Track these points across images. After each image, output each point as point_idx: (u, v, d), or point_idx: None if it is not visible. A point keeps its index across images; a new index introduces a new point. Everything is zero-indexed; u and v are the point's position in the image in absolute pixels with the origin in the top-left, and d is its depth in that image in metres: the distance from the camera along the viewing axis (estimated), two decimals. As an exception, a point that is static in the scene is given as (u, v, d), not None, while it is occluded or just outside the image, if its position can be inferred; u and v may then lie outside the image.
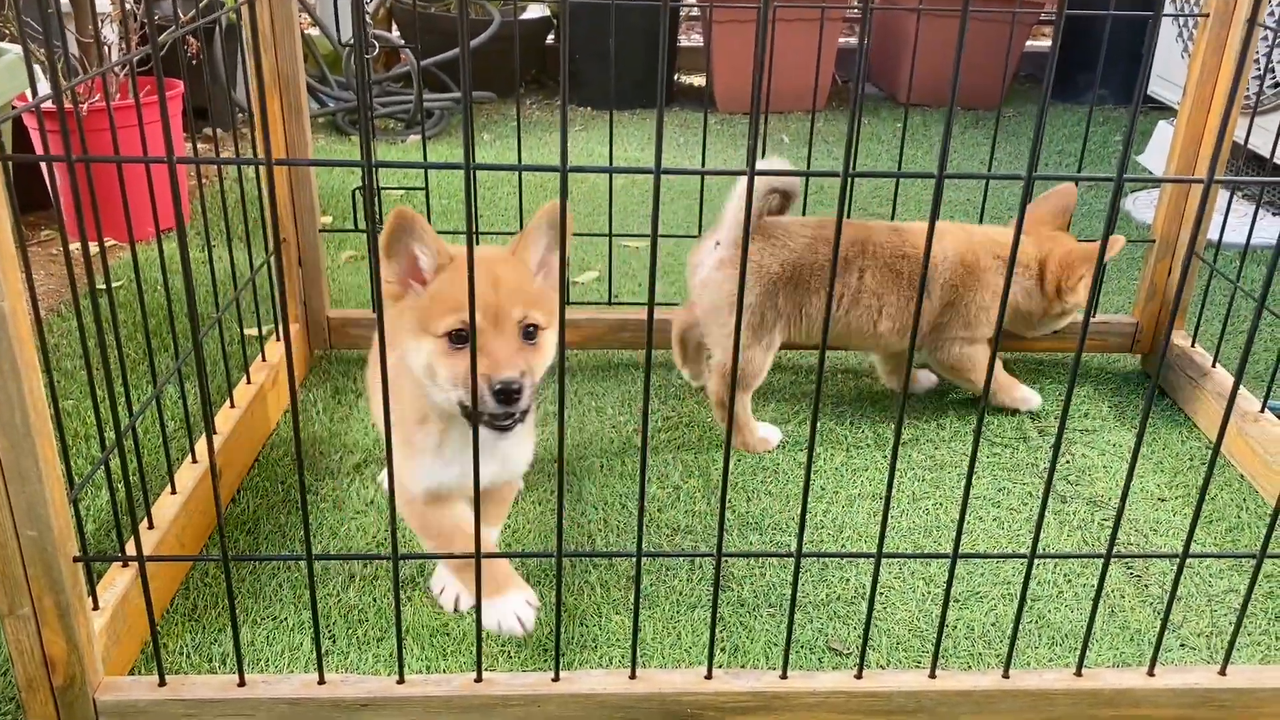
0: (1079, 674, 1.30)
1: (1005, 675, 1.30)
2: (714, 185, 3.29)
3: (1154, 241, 2.21)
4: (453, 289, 1.23)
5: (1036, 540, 1.20)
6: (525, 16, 4.59)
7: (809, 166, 2.52)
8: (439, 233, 2.36)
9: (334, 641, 1.48)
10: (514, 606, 1.44)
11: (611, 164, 1.37)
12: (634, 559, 1.32)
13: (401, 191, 3.19)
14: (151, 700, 1.23)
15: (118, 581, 1.38)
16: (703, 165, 2.55)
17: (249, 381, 1.92)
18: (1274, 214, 3.15)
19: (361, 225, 2.47)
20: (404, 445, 1.37)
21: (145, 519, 1.49)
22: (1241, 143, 2.23)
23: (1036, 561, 1.23)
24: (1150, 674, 1.31)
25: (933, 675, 1.29)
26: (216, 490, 1.20)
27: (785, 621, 1.51)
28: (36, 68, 2.44)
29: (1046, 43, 5.28)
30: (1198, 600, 1.60)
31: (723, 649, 1.48)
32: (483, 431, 1.24)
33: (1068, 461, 1.97)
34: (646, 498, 1.81)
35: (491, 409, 1.21)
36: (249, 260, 1.93)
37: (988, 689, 1.29)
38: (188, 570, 1.59)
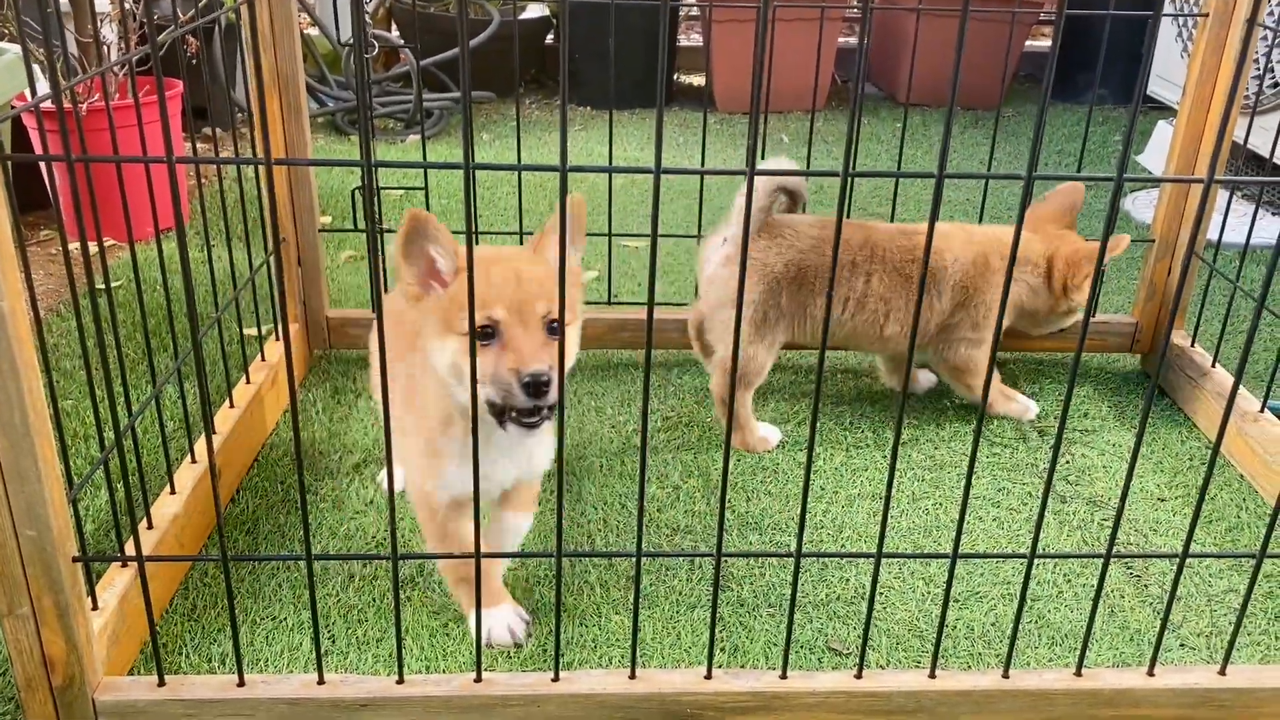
0: (1079, 674, 1.30)
1: (1005, 675, 1.30)
2: (713, 185, 3.29)
3: (1153, 241, 2.21)
4: (475, 288, 1.22)
5: (1036, 540, 1.20)
6: (524, 16, 4.59)
7: (808, 166, 2.52)
8: (438, 232, 2.36)
9: (333, 641, 1.48)
10: (505, 618, 1.46)
11: (611, 164, 1.37)
12: (634, 559, 1.33)
13: (401, 191, 3.19)
14: (151, 700, 1.23)
15: (117, 581, 1.38)
16: (702, 165, 2.55)
17: (248, 381, 1.92)
18: (1273, 214, 3.15)
19: (361, 225, 2.47)
20: (427, 452, 1.36)
21: (144, 519, 1.49)
22: (1241, 142, 2.23)
23: (1036, 561, 1.23)
24: (1150, 674, 1.31)
25: (932, 675, 1.29)
26: (216, 490, 1.20)
27: (785, 621, 1.51)
28: (35, 67, 2.44)
29: (1046, 42, 5.28)
30: (1197, 600, 1.60)
31: (722, 649, 1.48)
32: (509, 431, 1.24)
33: (1067, 461, 1.97)
34: (646, 498, 1.81)
35: (521, 403, 1.21)
36: (248, 260, 1.93)
37: (987, 689, 1.29)
38: (187, 570, 1.59)
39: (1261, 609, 1.59)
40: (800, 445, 2.00)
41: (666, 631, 1.51)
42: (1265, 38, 2.90)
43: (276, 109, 1.97)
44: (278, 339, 2.07)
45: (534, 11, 4.66)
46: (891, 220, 2.23)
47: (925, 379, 2.22)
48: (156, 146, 2.46)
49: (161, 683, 1.24)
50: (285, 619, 1.51)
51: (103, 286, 1.38)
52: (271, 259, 1.96)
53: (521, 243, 2.25)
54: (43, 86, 2.52)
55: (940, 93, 4.26)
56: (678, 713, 1.28)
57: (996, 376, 2.10)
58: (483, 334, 1.22)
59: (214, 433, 1.72)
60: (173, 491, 1.58)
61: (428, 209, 2.25)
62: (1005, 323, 2.01)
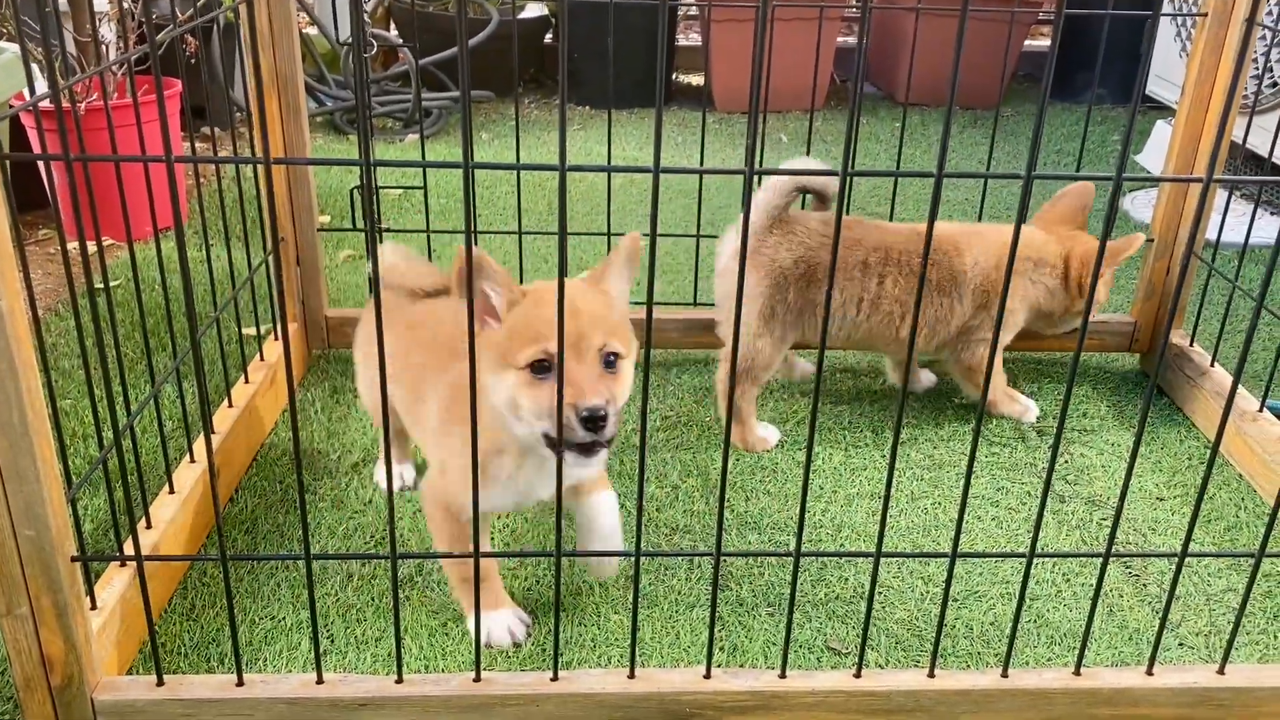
0: (1077, 673, 1.30)
1: (1004, 674, 1.30)
2: (712, 184, 3.29)
3: (1152, 241, 2.21)
4: (532, 321, 1.25)
5: (1035, 539, 1.20)
6: (523, 15, 4.58)
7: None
8: (436, 232, 2.36)
9: (332, 641, 1.47)
10: (505, 619, 1.47)
11: (610, 163, 1.37)
12: (632, 558, 1.33)
13: (399, 191, 3.19)
14: (149, 700, 1.23)
15: (116, 581, 1.38)
16: (701, 164, 2.55)
17: (247, 381, 1.92)
18: (1272, 213, 3.15)
19: (360, 224, 2.47)
20: (464, 472, 1.35)
21: (143, 518, 1.49)
22: (1240, 142, 2.23)
23: (1035, 561, 1.23)
24: (1149, 673, 1.31)
25: (931, 674, 1.29)
26: (215, 490, 1.19)
27: (784, 621, 1.52)
28: (34, 66, 2.44)
29: (1045, 42, 5.28)
30: (1196, 599, 1.61)
31: (721, 648, 1.48)
32: (566, 460, 1.24)
33: (1066, 461, 1.97)
34: (645, 497, 1.81)
35: (580, 437, 1.21)
36: (247, 260, 1.92)
37: (986, 688, 1.29)
38: (186, 570, 1.59)
39: (1260, 608, 1.59)
40: (799, 444, 2.00)
41: (665, 631, 1.51)
42: (1264, 37, 2.90)
43: (275, 108, 1.97)
44: (276, 339, 2.07)
45: (533, 11, 4.66)
46: (890, 220, 2.22)
47: (926, 378, 2.22)
48: (155, 146, 2.47)
49: (160, 682, 1.24)
50: (284, 618, 1.51)
51: (101, 286, 1.38)
52: (270, 258, 1.96)
53: (520, 242, 2.27)
54: (41, 86, 2.51)
55: (939, 92, 4.26)
56: (677, 712, 1.28)
57: (1003, 378, 2.10)
58: (539, 368, 1.23)
59: (213, 432, 1.72)
60: (171, 491, 1.58)
61: (426, 208, 2.26)
62: (1021, 324, 2.03)
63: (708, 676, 1.28)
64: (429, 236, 2.26)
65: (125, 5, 2.63)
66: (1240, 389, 1.96)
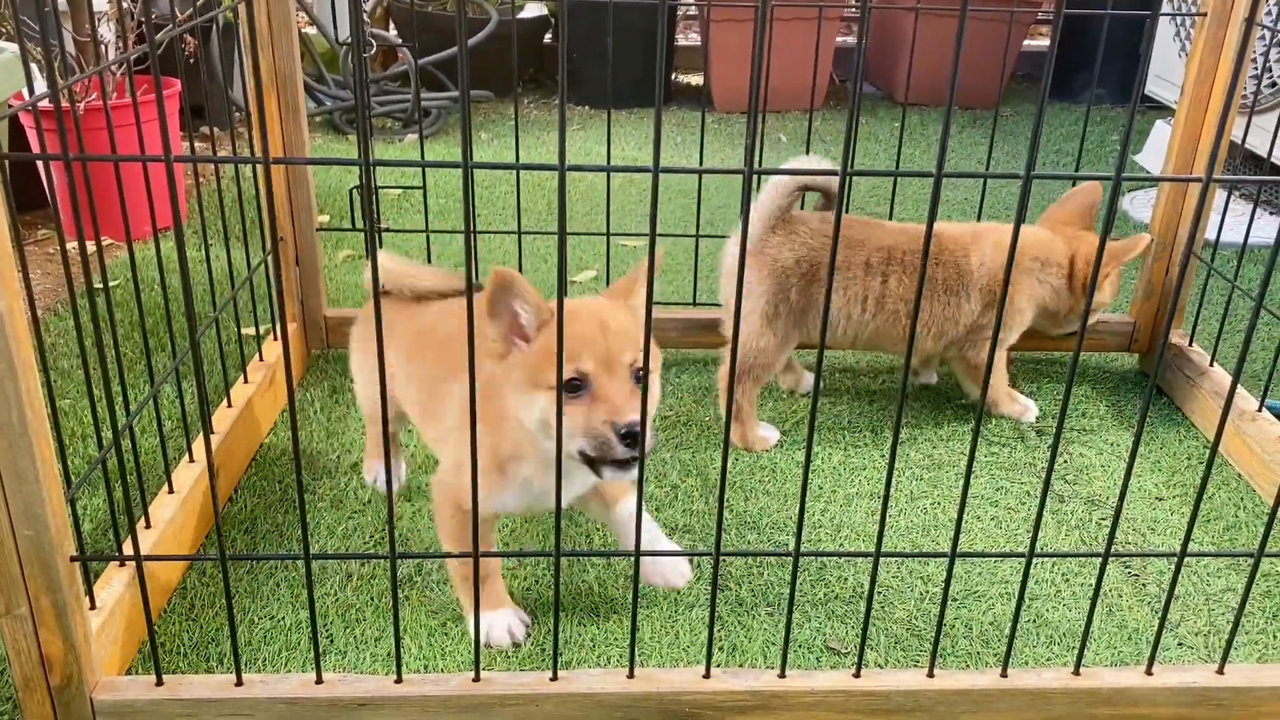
0: (1077, 673, 1.30)
1: (1003, 674, 1.30)
2: (711, 184, 3.29)
3: (1151, 240, 2.21)
4: (554, 343, 1.24)
5: (1034, 539, 1.20)
6: (523, 15, 4.58)
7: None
8: (435, 231, 2.36)
9: (332, 641, 1.47)
10: (505, 619, 1.47)
11: (609, 163, 1.37)
12: (632, 558, 1.32)
13: (399, 190, 3.19)
14: (149, 700, 1.23)
15: (115, 581, 1.38)
16: (700, 164, 2.56)
17: (246, 381, 1.92)
18: (1271, 213, 3.15)
19: (359, 224, 2.47)
20: (491, 471, 1.37)
21: (142, 518, 1.49)
22: (1239, 142, 2.23)
23: (1034, 560, 1.23)
24: (1148, 673, 1.31)
25: (931, 674, 1.29)
26: (214, 489, 1.19)
27: (783, 620, 1.52)
28: (33, 66, 2.44)
29: (1044, 42, 5.28)
30: (1195, 599, 1.61)
31: (721, 648, 1.48)
32: (604, 476, 1.25)
33: (1065, 461, 1.97)
34: (644, 497, 1.81)
35: (619, 454, 1.21)
36: (246, 259, 1.92)
37: (986, 688, 1.29)
38: (185, 570, 1.59)
39: (1259, 608, 1.59)
40: (799, 444, 2.00)
41: (665, 631, 1.51)
42: (1263, 37, 2.91)
43: (274, 108, 1.96)
44: (276, 338, 2.07)
45: (532, 10, 4.66)
46: (890, 220, 2.23)
47: (925, 375, 2.23)
48: (154, 146, 2.46)
49: (159, 682, 1.24)
50: (283, 618, 1.51)
51: (100, 286, 1.38)
52: (269, 258, 1.96)
53: (520, 242, 2.27)
54: (40, 85, 2.51)
55: (938, 92, 4.26)
56: (676, 712, 1.28)
57: (1004, 378, 2.10)
58: (571, 387, 1.24)
59: (212, 432, 1.72)
60: (171, 491, 1.58)
61: (425, 208, 2.26)
62: (1028, 323, 2.03)
63: (707, 676, 1.28)
64: (428, 236, 2.26)
65: (124, 5, 2.63)
66: (1239, 389, 1.96)
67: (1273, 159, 1.96)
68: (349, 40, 4.05)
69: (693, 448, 1.98)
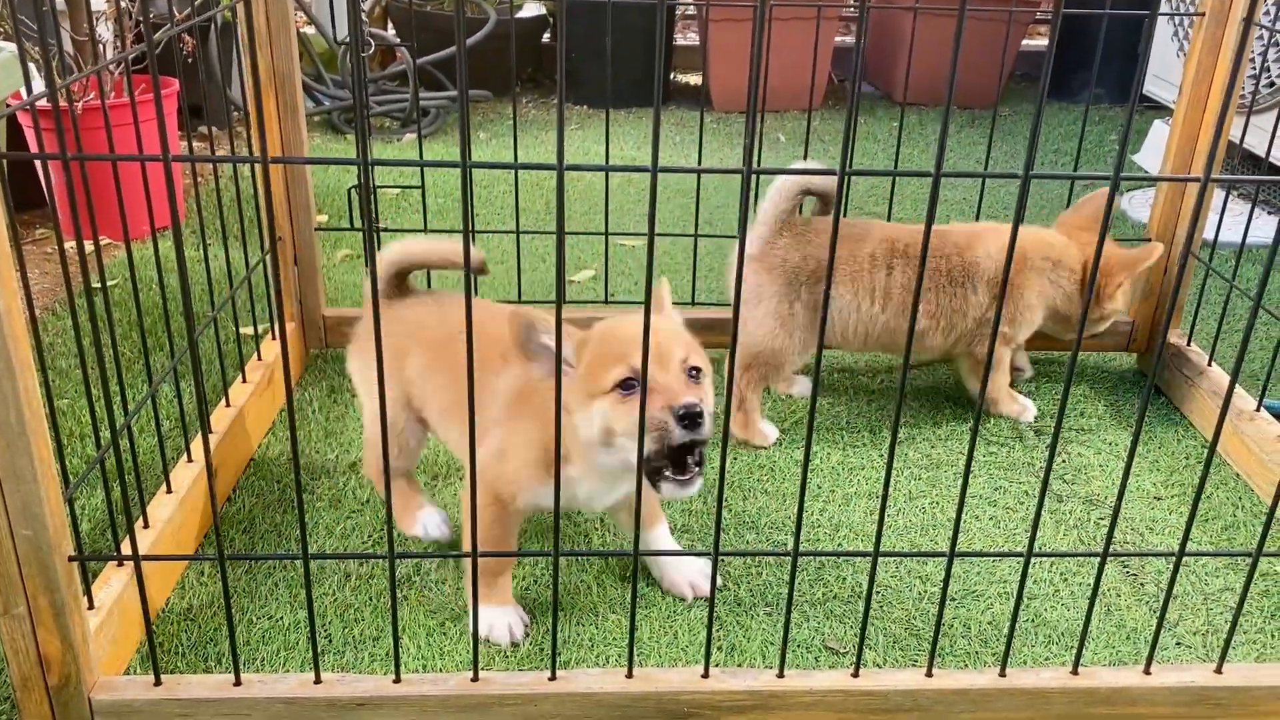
0: (1075, 672, 1.31)
1: (1002, 674, 1.30)
2: (710, 184, 3.29)
3: (1150, 240, 2.21)
4: (611, 347, 1.28)
5: (1033, 539, 1.20)
6: (521, 15, 4.58)
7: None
8: (434, 231, 2.36)
9: (330, 641, 1.47)
10: (508, 617, 1.47)
11: (608, 162, 1.37)
12: (630, 558, 1.33)
13: (397, 190, 3.19)
14: (147, 700, 1.23)
15: (113, 581, 1.38)
16: (699, 164, 2.56)
17: (245, 380, 1.91)
18: (1269, 213, 3.15)
19: (357, 224, 2.47)
20: (534, 465, 1.38)
21: (141, 518, 1.49)
22: (1237, 142, 2.24)
23: (1033, 560, 1.23)
24: (1146, 672, 1.31)
25: (929, 674, 1.30)
26: (212, 489, 1.19)
27: (782, 620, 1.51)
28: (31, 65, 2.44)
29: (1043, 42, 5.28)
30: (1194, 598, 1.61)
31: (719, 648, 1.48)
32: (663, 490, 1.26)
33: (1064, 460, 1.97)
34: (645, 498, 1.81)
35: (678, 437, 1.22)
36: (245, 259, 1.92)
37: (984, 688, 1.29)
38: (183, 569, 1.59)
39: (1258, 607, 1.59)
40: (797, 443, 2.00)
41: (664, 630, 1.51)
42: (1261, 37, 2.91)
43: (273, 107, 1.96)
44: (274, 338, 2.07)
45: (531, 10, 4.66)
46: (888, 220, 2.23)
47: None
48: (152, 145, 2.46)
49: (158, 682, 1.24)
50: (282, 618, 1.51)
51: (98, 285, 1.38)
52: (267, 258, 1.96)
53: (518, 241, 2.27)
54: (38, 85, 2.51)
55: (937, 92, 4.26)
56: (675, 711, 1.28)
57: (1005, 377, 2.10)
58: (627, 385, 1.26)
59: (210, 432, 1.72)
60: (169, 491, 1.58)
61: (424, 208, 2.26)
62: (1037, 323, 2.04)
63: (706, 676, 1.28)
64: (426, 236, 2.26)
65: (122, 4, 2.62)
66: (1237, 388, 1.96)
67: (1271, 159, 1.96)
68: (347, 40, 4.04)
69: (691, 447, 1.97)
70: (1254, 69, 3.03)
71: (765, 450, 1.97)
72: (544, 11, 4.65)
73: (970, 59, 4.12)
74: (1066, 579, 1.64)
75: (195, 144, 3.51)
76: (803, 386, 2.18)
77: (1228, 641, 1.30)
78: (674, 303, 1.47)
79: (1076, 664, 1.30)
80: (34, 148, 2.58)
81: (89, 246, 2.34)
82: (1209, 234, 2.10)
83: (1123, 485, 1.18)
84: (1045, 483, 1.17)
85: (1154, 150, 3.61)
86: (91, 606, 1.31)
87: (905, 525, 1.77)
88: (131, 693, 1.23)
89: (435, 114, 3.98)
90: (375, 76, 4.09)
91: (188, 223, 2.90)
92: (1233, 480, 1.91)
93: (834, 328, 1.97)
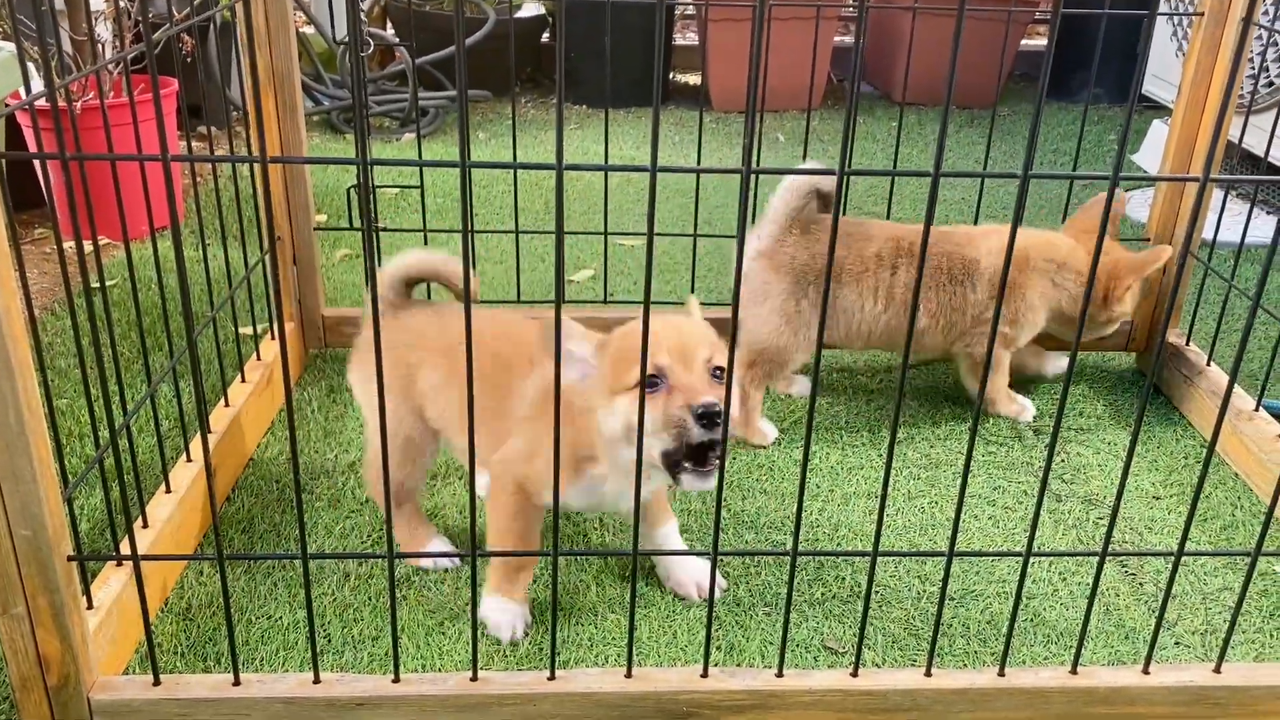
0: (1074, 672, 1.31)
1: (1001, 673, 1.30)
2: (709, 184, 3.29)
3: (1149, 240, 2.21)
4: (632, 344, 1.28)
5: (1032, 538, 1.20)
6: (520, 14, 4.58)
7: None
8: (433, 231, 2.36)
9: (329, 640, 1.47)
10: (513, 614, 1.48)
11: (607, 162, 1.37)
12: (629, 557, 1.33)
13: (396, 190, 3.19)
14: (146, 700, 1.23)
15: (112, 581, 1.38)
16: (698, 163, 2.55)
17: (244, 380, 1.91)
18: (1268, 212, 3.15)
19: (357, 223, 2.47)
20: (566, 468, 1.39)
21: (140, 518, 1.49)
22: (1236, 142, 2.24)
23: (1032, 560, 1.23)
24: (1145, 672, 1.31)
25: (928, 673, 1.30)
26: (211, 489, 1.19)
27: (781, 620, 1.51)
28: (30, 65, 2.43)
29: (1042, 41, 5.29)
30: (1192, 598, 1.61)
31: (719, 647, 1.48)
32: (683, 483, 1.28)
33: (1063, 460, 1.97)
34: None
35: (696, 436, 1.23)
36: (244, 259, 1.92)
37: (983, 687, 1.29)
38: (183, 569, 1.59)
39: (1256, 606, 1.60)
40: (796, 443, 2.00)
41: (663, 630, 1.51)
42: (1260, 37, 2.91)
43: (272, 107, 1.96)
44: (273, 338, 2.07)
45: (530, 10, 4.66)
46: (887, 219, 2.23)
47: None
48: (151, 145, 2.46)
49: (157, 682, 1.24)
50: (281, 618, 1.51)
51: (97, 285, 1.38)
52: (267, 258, 1.96)
53: (517, 241, 2.27)
54: (37, 84, 2.51)
55: (936, 92, 4.26)
56: (674, 711, 1.28)
57: (1004, 378, 2.10)
58: (650, 382, 1.27)
59: (209, 432, 1.72)
60: (168, 491, 1.58)
61: (423, 207, 2.26)
62: (1040, 324, 2.04)
63: (705, 675, 1.28)
64: (425, 236, 2.26)
65: (121, 4, 2.62)
66: (1236, 388, 1.96)
67: (1270, 159, 1.96)
68: (346, 39, 4.04)
69: (690, 447, 1.97)
70: (1253, 69, 3.03)
71: (764, 450, 1.97)
72: (543, 11, 4.65)
73: (969, 59, 4.12)
74: (1065, 578, 1.64)
75: (194, 144, 3.51)
76: (802, 386, 2.18)
77: (1226, 641, 1.30)
78: (672, 302, 1.47)
79: (1075, 663, 1.31)
80: (33, 147, 2.57)
81: (88, 246, 2.34)
82: (1208, 234, 2.10)
83: (1121, 485, 1.18)
84: (1044, 482, 1.17)
85: (1153, 150, 3.62)
86: (90, 606, 1.31)
87: (904, 525, 1.77)
88: (130, 692, 1.23)
89: (434, 114, 3.98)
90: (374, 76, 4.09)
91: (187, 223, 2.90)
92: (1231, 480, 1.91)
93: (838, 326, 1.98)
